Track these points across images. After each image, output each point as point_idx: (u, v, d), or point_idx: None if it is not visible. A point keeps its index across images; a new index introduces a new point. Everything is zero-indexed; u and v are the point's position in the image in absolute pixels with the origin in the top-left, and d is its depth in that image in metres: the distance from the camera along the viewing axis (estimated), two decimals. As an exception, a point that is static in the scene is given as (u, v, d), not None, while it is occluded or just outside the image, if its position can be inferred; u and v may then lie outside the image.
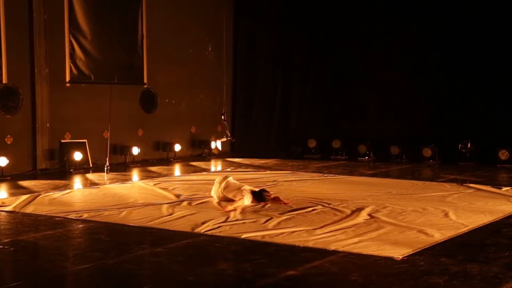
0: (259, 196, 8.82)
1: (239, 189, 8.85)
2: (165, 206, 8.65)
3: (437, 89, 14.31)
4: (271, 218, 7.81)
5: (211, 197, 9.16)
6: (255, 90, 16.51)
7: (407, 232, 7.12)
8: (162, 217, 7.97)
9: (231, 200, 8.76)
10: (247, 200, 8.63)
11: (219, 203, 8.86)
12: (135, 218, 7.94)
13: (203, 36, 15.81)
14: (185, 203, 8.92)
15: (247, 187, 8.93)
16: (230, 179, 9.09)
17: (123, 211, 8.39)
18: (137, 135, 14.28)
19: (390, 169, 13.06)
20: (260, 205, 8.63)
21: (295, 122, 16.22)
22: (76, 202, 9.29)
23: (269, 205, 8.67)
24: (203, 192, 9.74)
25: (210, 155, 15.68)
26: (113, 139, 13.31)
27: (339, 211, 8.29)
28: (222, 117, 12.87)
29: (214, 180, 9.35)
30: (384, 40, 14.86)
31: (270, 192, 9.05)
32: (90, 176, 12.04)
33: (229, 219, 7.79)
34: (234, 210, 8.31)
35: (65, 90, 12.96)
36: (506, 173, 12.38)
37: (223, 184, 8.98)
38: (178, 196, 9.55)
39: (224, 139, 12.76)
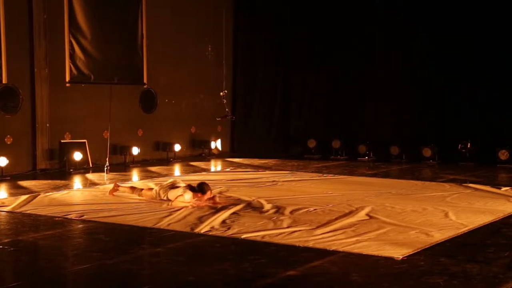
0: (199, 188, 8.74)
1: (173, 187, 8.89)
2: (165, 206, 8.64)
3: (437, 89, 14.30)
4: (270, 218, 7.82)
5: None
6: (255, 90, 16.51)
7: (407, 232, 7.12)
8: (162, 217, 7.97)
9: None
10: (187, 195, 8.61)
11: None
12: (135, 218, 7.94)
13: (203, 36, 15.81)
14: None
15: (181, 184, 8.95)
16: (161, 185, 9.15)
17: (123, 211, 8.39)
18: (137, 135, 14.28)
19: (390, 169, 13.06)
20: (204, 199, 8.65)
21: (295, 122, 16.22)
22: (76, 202, 9.29)
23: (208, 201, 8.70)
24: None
25: (210, 155, 15.68)
26: (113, 139, 13.30)
27: (338, 211, 8.28)
28: (222, 94, 12.81)
29: (214, 180, 9.36)
30: (384, 40, 14.87)
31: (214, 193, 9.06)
32: (90, 176, 12.04)
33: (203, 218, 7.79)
34: (179, 207, 8.39)
35: (65, 90, 12.96)
36: (506, 173, 12.38)
37: (157, 188, 9.02)
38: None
39: (224, 116, 12.80)
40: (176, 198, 8.63)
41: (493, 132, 13.66)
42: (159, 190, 9.01)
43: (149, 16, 14.40)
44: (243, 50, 16.59)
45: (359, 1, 15.20)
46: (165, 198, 8.89)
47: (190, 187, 8.78)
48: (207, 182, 9.08)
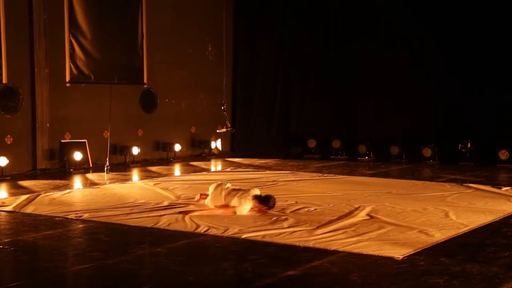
0: (265, 201, 8.23)
1: (239, 195, 8.27)
2: (165, 205, 8.64)
3: (437, 89, 14.29)
4: (271, 218, 7.82)
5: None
6: (255, 90, 16.51)
7: (407, 232, 7.12)
8: (162, 217, 7.96)
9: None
10: (244, 210, 8.11)
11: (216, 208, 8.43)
12: (135, 218, 7.94)
13: (203, 36, 15.81)
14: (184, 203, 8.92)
15: (251, 192, 8.29)
16: (229, 185, 8.57)
17: (123, 211, 8.39)
18: (137, 135, 14.28)
19: (390, 169, 13.05)
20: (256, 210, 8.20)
21: (295, 122, 16.22)
22: (76, 202, 9.29)
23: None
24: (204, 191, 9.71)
25: (210, 155, 15.68)
26: (113, 139, 13.30)
27: (339, 211, 8.29)
28: (222, 107, 12.81)
29: (213, 180, 9.31)
30: (384, 40, 14.86)
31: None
32: (90, 176, 12.03)
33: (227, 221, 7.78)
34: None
35: (65, 90, 12.96)
36: (506, 173, 12.38)
37: (223, 192, 8.40)
38: (178, 196, 9.55)
39: (224, 130, 12.79)
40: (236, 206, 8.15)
41: (493, 132, 13.66)
42: (226, 194, 8.34)
43: (149, 16, 14.41)
44: (243, 50, 16.60)
45: (359, 1, 15.20)
46: (225, 202, 8.33)
47: (256, 197, 8.20)
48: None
